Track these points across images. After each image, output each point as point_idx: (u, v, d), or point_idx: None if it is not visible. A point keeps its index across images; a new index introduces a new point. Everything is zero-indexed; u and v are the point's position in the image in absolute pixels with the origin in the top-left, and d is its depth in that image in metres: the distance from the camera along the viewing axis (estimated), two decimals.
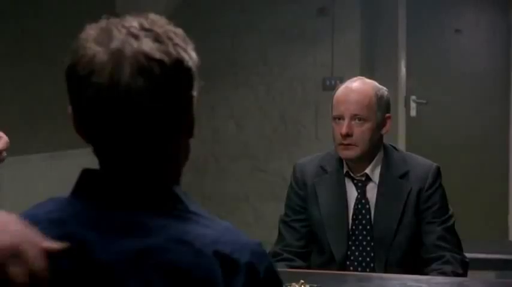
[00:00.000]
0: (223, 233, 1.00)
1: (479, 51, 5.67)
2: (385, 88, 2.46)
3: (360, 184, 2.45)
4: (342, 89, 2.43)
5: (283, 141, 5.41)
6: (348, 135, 2.37)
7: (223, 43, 5.43)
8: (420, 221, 2.41)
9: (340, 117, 2.40)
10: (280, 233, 2.56)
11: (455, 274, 2.29)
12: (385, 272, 2.37)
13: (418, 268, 2.39)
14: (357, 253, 2.43)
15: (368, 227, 2.42)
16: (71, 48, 1.01)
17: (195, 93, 1.05)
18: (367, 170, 2.44)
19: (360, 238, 2.43)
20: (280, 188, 5.13)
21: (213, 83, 5.31)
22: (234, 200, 5.49)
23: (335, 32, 5.26)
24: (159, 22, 1.03)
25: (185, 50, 1.02)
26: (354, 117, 2.38)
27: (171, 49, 1.00)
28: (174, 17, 1.08)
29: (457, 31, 5.65)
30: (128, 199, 0.98)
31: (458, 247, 2.41)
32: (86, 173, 1.04)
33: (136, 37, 0.99)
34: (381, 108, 2.41)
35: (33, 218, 1.00)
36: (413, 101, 5.66)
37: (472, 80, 5.64)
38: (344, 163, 2.47)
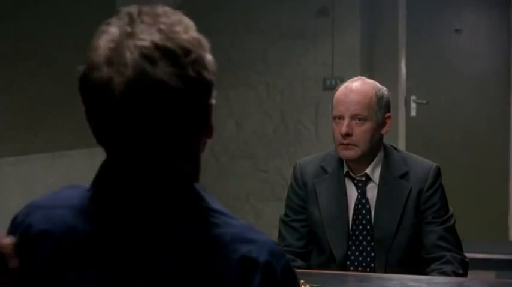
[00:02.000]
0: (242, 232, 1.01)
1: (479, 51, 5.66)
2: (385, 88, 2.46)
3: (360, 184, 2.45)
4: (342, 89, 2.42)
5: (283, 141, 5.41)
6: (347, 135, 2.37)
7: (223, 43, 5.43)
8: (420, 221, 2.41)
9: (340, 117, 2.39)
10: (280, 233, 2.56)
11: (456, 274, 2.29)
12: (385, 272, 2.37)
13: (418, 268, 2.39)
14: (357, 253, 2.43)
15: (368, 227, 2.42)
16: (86, 59, 0.99)
17: (213, 101, 1.06)
18: (367, 170, 2.44)
19: (360, 238, 2.43)
20: (280, 188, 5.14)
21: None
22: (234, 200, 5.48)
23: (335, 32, 5.25)
24: (173, 32, 1.00)
25: (204, 66, 1.02)
26: (354, 117, 2.37)
27: (190, 71, 0.99)
28: None
29: (457, 31, 5.65)
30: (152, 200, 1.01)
31: (458, 247, 2.41)
32: (105, 167, 1.05)
33: (151, 62, 0.96)
34: (381, 108, 2.41)
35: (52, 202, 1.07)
36: (413, 101, 5.66)
37: (472, 80, 5.63)
38: (344, 162, 2.47)
